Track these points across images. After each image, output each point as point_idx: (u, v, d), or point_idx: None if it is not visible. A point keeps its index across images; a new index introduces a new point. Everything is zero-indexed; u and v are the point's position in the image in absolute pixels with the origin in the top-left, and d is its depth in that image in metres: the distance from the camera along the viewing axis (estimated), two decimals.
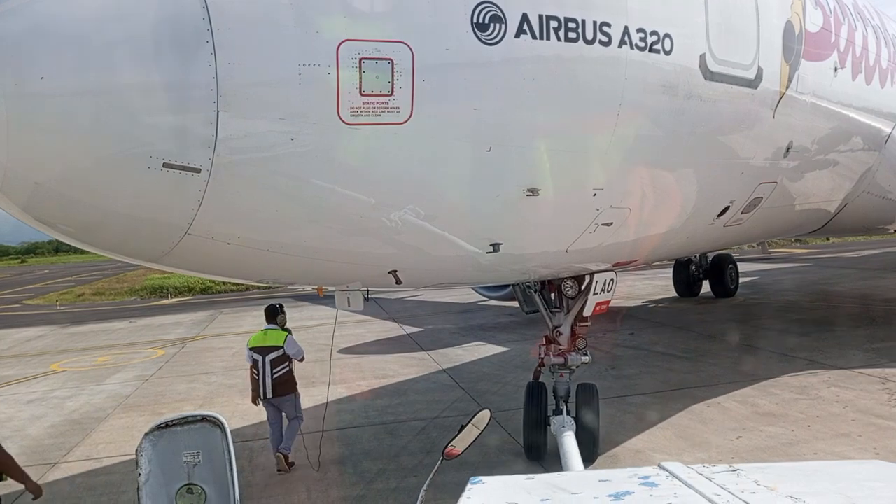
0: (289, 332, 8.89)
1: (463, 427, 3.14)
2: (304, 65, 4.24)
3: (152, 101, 3.95)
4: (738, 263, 22.28)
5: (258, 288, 33.90)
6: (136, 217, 4.30)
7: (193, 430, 2.96)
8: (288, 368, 8.57)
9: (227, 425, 2.98)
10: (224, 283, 34.47)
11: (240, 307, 27.76)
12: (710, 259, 21.19)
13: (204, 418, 2.97)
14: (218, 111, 4.02)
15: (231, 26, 4.05)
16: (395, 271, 5.59)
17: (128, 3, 3.95)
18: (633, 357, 13.96)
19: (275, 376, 8.46)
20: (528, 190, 5.45)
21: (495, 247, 5.75)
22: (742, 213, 8.46)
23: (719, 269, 21.25)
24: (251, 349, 8.63)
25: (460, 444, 3.11)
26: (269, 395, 8.51)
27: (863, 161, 11.28)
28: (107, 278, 50.80)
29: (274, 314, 8.93)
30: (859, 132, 10.63)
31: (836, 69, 9.14)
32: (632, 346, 14.99)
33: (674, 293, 22.07)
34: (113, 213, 4.26)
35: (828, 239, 32.21)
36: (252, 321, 21.26)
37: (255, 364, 8.54)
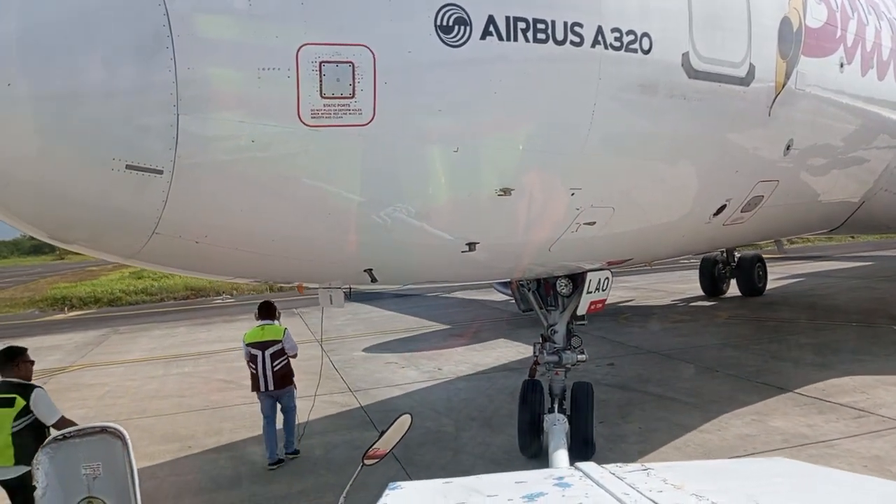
0: (285, 328, 9.11)
1: (383, 432, 3.15)
2: (263, 69, 4.37)
3: (114, 105, 4.11)
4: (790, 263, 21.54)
5: (174, 298, 32.45)
6: (105, 217, 4.48)
7: (93, 441, 2.89)
8: (286, 361, 8.81)
9: (127, 437, 2.91)
10: (135, 294, 33.22)
11: (143, 323, 24.50)
12: (736, 257, 20.88)
13: (104, 429, 2.91)
14: (178, 114, 4.17)
15: (191, 31, 4.19)
16: (371, 269, 5.71)
17: (90, 9, 4.11)
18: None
19: (275, 369, 8.69)
20: (501, 190, 5.51)
21: (471, 245, 5.82)
22: (742, 211, 8.36)
23: (746, 268, 20.93)
24: (248, 345, 8.85)
25: (383, 446, 3.12)
26: (272, 387, 8.73)
27: (881, 158, 11.01)
28: (16, 286, 45.75)
29: (270, 310, 9.15)
30: (874, 128, 10.37)
31: (842, 65, 8.94)
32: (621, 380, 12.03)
33: (700, 291, 21.79)
34: (84, 213, 4.45)
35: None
36: (148, 343, 19.44)
37: (252, 359, 8.75)
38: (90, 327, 24.32)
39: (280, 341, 8.75)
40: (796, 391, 10.45)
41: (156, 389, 13.65)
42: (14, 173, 4.13)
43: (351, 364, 14.66)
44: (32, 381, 6.42)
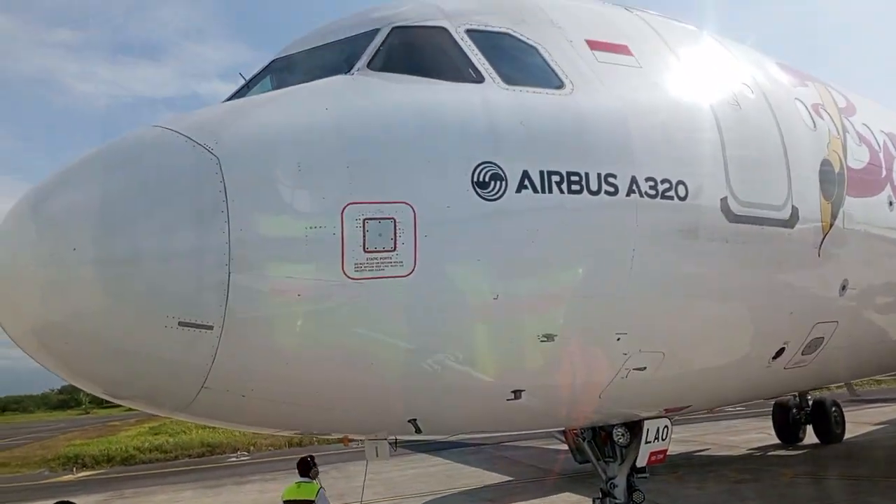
0: (320, 486, 8.95)
1: None
2: (310, 227, 4.64)
3: (170, 267, 4.40)
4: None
5: (189, 456, 31.28)
6: (157, 372, 4.66)
7: None
8: None
9: None
10: (149, 451, 32.02)
11: (151, 485, 23.10)
12: (810, 401, 19.81)
13: None
14: (230, 273, 4.42)
15: (245, 196, 4.53)
16: (415, 419, 5.66)
17: (151, 178, 4.52)
18: None
19: None
20: (544, 336, 5.51)
21: (517, 393, 5.75)
22: (802, 354, 8.07)
23: (823, 413, 19.75)
24: (286, 501, 8.74)
25: None
26: None
27: None
28: (33, 443, 45.42)
29: (307, 467, 9.06)
30: None
31: (891, 203, 8.88)
32: None
33: (775, 439, 20.52)
34: (137, 369, 4.64)
35: None
36: None
37: None
38: (94, 490, 23.16)
39: (313, 501, 8.62)
40: None
41: None
42: (73, 329, 4.38)
43: None
44: None
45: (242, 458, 29.91)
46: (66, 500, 6.71)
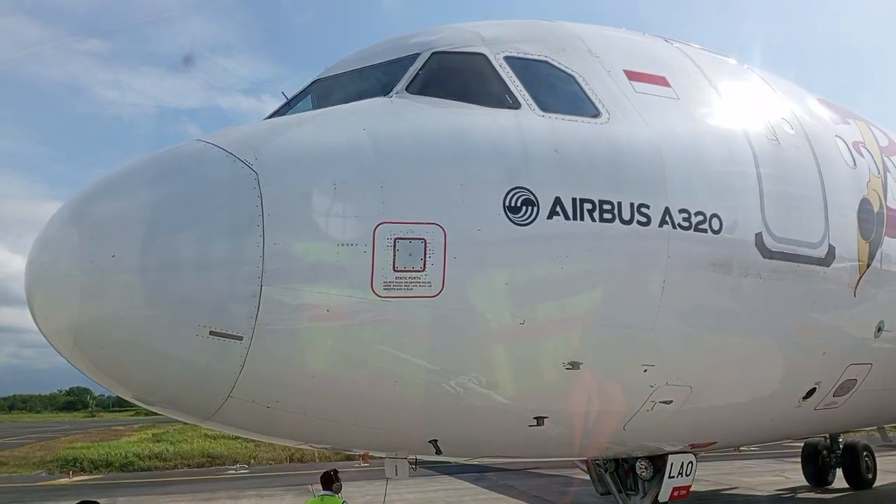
0: (343, 501, 8.93)
1: None
2: (342, 244, 4.71)
3: (204, 277, 4.51)
4: None
5: (188, 465, 30.81)
6: (186, 379, 4.76)
7: None
8: None
9: None
10: (149, 458, 31.71)
11: (144, 494, 22.26)
12: (840, 444, 19.29)
13: None
14: (262, 285, 4.50)
15: (281, 211, 4.62)
16: (436, 440, 5.66)
17: (190, 191, 4.64)
18: None
19: None
20: (569, 363, 5.49)
21: (539, 420, 5.73)
22: (834, 395, 7.90)
23: (853, 457, 19.21)
24: None
25: None
26: None
27: None
28: (34, 444, 44.68)
29: (329, 481, 9.05)
30: None
31: None
32: None
33: (803, 481, 20.00)
34: (167, 375, 4.74)
35: None
36: None
37: None
38: (88, 496, 21.48)
39: None
40: None
41: None
42: (108, 333, 4.50)
43: None
44: None
45: (241, 471, 29.67)
46: (90, 500, 6.81)
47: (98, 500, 6.82)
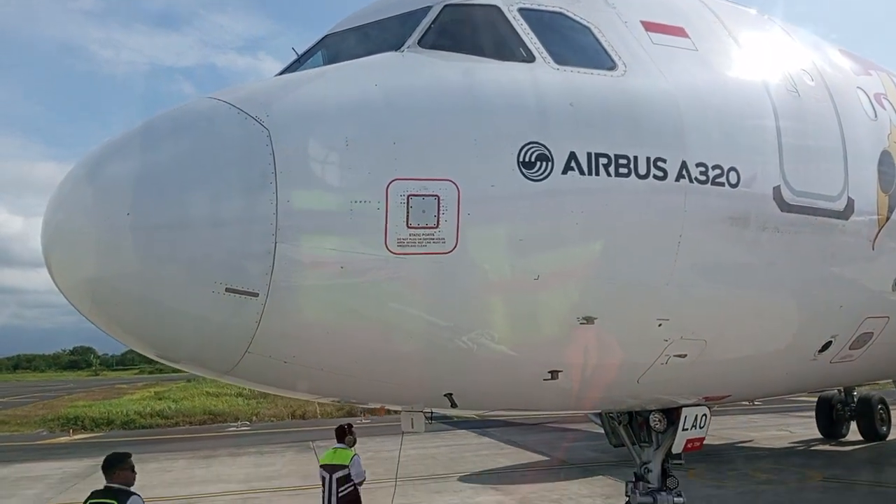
0: (355, 453, 9.12)
1: None
2: (355, 201, 4.70)
3: (218, 234, 4.53)
4: None
5: (189, 423, 31.33)
6: (204, 336, 4.82)
7: None
8: (353, 487, 8.81)
9: None
10: (150, 416, 32.31)
11: (145, 452, 21.45)
12: (855, 397, 19.38)
13: None
14: (276, 243, 4.52)
15: (292, 168, 4.61)
16: (451, 394, 5.73)
17: (203, 148, 4.63)
18: None
19: (340, 494, 8.73)
20: (583, 318, 5.50)
21: (553, 374, 5.77)
22: (850, 348, 7.89)
23: (868, 409, 19.32)
24: (321, 466, 8.97)
25: None
26: None
27: None
28: (36, 403, 45.55)
29: (343, 434, 9.23)
30: None
31: None
32: None
33: (808, 436, 20.18)
34: (185, 332, 4.80)
35: None
36: (138, 479, 16.25)
37: (322, 481, 8.82)
38: (88, 454, 22.44)
39: (346, 466, 8.79)
40: None
41: None
42: (125, 291, 4.55)
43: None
44: (132, 489, 6.65)
45: (243, 428, 30.23)
46: (121, 451, 6.93)
47: (129, 452, 6.92)
